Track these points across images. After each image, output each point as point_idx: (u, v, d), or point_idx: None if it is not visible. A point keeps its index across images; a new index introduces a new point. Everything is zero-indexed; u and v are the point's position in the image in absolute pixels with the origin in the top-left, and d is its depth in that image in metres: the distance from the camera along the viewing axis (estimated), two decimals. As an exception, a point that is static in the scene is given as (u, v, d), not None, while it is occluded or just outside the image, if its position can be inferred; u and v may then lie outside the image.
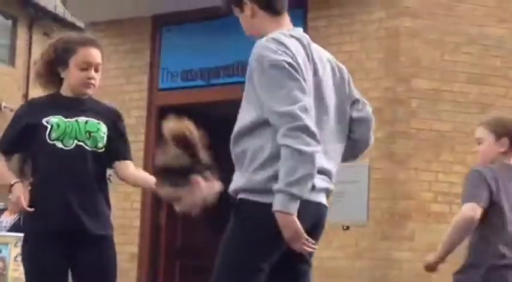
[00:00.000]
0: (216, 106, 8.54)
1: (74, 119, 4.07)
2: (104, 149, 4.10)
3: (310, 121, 3.17)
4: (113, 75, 8.74)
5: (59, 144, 4.01)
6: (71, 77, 4.11)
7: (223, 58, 8.52)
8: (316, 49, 3.47)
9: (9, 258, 8.70)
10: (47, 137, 4.01)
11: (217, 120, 8.74)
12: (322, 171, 3.34)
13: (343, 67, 3.57)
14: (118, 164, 4.19)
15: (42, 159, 4.05)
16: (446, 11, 7.65)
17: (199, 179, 3.49)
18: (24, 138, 4.07)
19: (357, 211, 7.40)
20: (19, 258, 8.50)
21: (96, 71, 4.14)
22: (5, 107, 20.95)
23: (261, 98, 3.25)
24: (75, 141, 4.03)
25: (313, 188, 3.29)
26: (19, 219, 10.80)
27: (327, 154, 3.38)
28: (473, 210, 4.19)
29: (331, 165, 3.41)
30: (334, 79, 3.49)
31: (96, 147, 4.07)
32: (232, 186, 3.34)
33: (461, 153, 7.33)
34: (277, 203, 3.14)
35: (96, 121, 4.11)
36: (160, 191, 3.62)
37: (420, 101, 7.46)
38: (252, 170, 3.25)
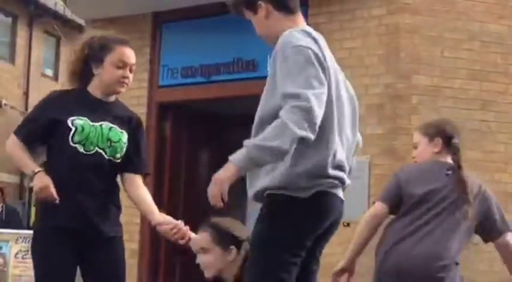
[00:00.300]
0: (216, 103, 8.52)
1: (99, 124, 4.04)
2: (120, 160, 4.10)
3: (317, 108, 3.04)
4: (113, 72, 8.73)
5: (80, 149, 3.98)
6: (106, 74, 4.08)
7: (223, 55, 8.50)
8: None
9: (10, 255, 8.69)
10: (69, 139, 3.98)
11: (218, 117, 8.78)
12: (345, 169, 3.33)
13: None
14: (126, 175, 4.18)
15: (60, 159, 4.01)
16: (446, 7, 7.65)
17: (234, 250, 3.82)
18: (46, 134, 4.03)
19: (357, 207, 7.37)
20: (20, 255, 8.53)
21: (131, 71, 4.12)
22: (5, 104, 20.96)
23: (278, 84, 3.15)
24: (96, 148, 4.01)
25: (344, 184, 3.30)
26: (1, 211, 10.81)
27: (346, 155, 3.35)
28: (378, 207, 4.40)
29: (347, 165, 3.38)
30: (345, 83, 3.46)
31: (113, 157, 4.07)
32: (259, 186, 3.26)
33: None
34: (236, 154, 3.06)
35: (119, 130, 4.10)
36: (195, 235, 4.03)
37: (421, 97, 7.46)
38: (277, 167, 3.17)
